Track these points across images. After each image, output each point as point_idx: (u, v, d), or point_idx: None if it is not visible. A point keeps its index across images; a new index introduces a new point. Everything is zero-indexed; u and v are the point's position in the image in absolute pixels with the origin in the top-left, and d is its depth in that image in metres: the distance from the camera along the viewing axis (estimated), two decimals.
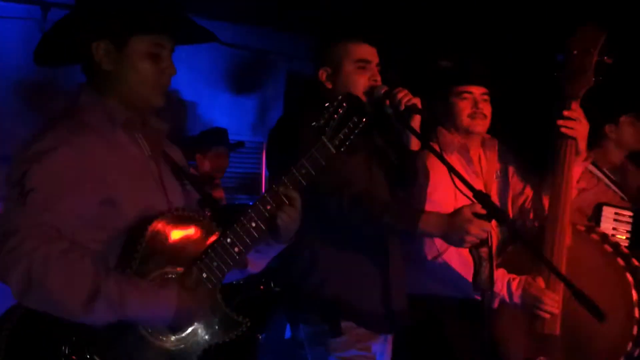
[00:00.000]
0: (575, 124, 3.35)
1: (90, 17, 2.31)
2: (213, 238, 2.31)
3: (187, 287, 2.22)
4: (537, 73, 4.37)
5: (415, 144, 3.10)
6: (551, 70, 3.44)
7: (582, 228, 3.50)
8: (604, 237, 3.47)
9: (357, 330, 3.00)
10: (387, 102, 3.00)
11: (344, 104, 2.39)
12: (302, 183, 2.35)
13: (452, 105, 3.60)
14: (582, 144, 3.40)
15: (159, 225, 2.24)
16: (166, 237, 2.25)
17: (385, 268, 3.07)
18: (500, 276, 3.32)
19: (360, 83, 3.06)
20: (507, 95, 3.78)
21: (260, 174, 6.77)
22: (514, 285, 3.31)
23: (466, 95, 3.58)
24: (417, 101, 2.98)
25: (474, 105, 3.58)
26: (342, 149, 2.40)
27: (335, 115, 2.38)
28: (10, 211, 2.09)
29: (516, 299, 3.30)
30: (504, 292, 3.31)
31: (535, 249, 3.18)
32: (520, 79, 4.25)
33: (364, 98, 3.01)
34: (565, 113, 3.35)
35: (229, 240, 2.29)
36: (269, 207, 2.33)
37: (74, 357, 2.08)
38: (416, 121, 3.02)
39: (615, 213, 4.01)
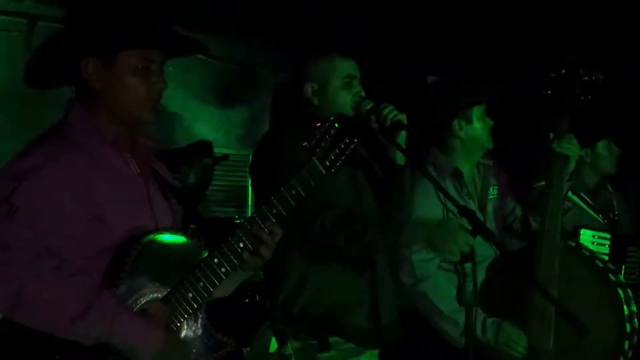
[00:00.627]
0: (570, 144, 3.41)
1: (77, 36, 2.29)
2: (200, 258, 2.29)
3: (174, 332, 2.23)
4: (524, 90, 4.42)
5: (401, 159, 3.11)
6: (540, 88, 3.48)
7: (574, 244, 3.52)
8: (594, 254, 3.49)
9: (346, 346, 3.01)
10: (373, 117, 3.01)
11: (336, 125, 2.38)
12: (291, 204, 2.32)
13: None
14: (572, 164, 3.46)
15: (146, 244, 2.23)
16: (154, 257, 2.24)
17: (372, 283, 3.07)
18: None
19: (347, 99, 3.06)
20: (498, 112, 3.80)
21: (247, 187, 6.77)
22: (487, 323, 3.34)
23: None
24: (402, 117, 2.99)
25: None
26: (333, 170, 2.38)
27: (327, 136, 2.36)
28: (0, 228, 2.07)
29: (489, 337, 3.33)
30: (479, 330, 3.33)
31: (520, 265, 3.19)
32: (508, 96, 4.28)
33: (351, 114, 3.02)
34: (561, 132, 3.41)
35: (216, 260, 2.27)
36: (257, 229, 2.31)
37: None
38: (402, 137, 3.03)
39: (593, 236, 4.05)
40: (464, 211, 2.66)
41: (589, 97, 3.39)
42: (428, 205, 3.37)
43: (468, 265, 2.72)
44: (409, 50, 6.08)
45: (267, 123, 6.75)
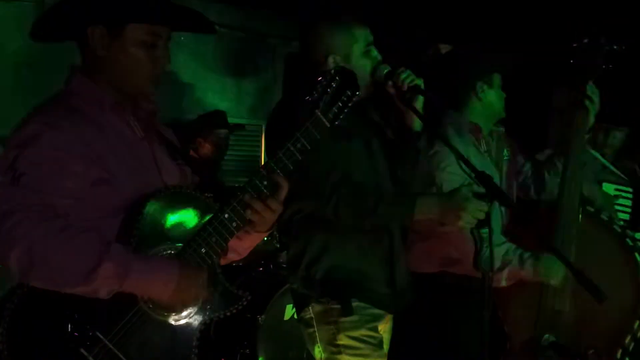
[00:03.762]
0: (593, 100, 3.41)
1: (88, 2, 2.30)
2: (211, 213, 2.31)
3: (189, 264, 2.23)
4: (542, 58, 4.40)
5: (418, 124, 3.10)
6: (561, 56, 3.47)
7: (592, 209, 3.52)
8: (612, 219, 3.49)
9: (367, 310, 3.03)
10: (390, 82, 3.00)
11: (337, 78, 2.38)
12: (297, 157, 2.33)
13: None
14: (592, 119, 3.46)
15: (156, 202, 2.26)
16: (164, 214, 2.27)
17: (389, 250, 3.10)
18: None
19: (367, 66, 3.06)
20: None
21: (260, 157, 6.77)
22: (525, 256, 3.33)
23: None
24: (420, 82, 2.98)
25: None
26: (336, 123, 2.37)
27: (329, 90, 2.36)
28: (5, 194, 2.10)
29: (528, 267, 3.31)
30: (515, 263, 3.32)
31: (536, 230, 3.19)
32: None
33: (369, 79, 3.02)
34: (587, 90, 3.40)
35: (226, 215, 2.28)
36: (265, 182, 2.32)
37: (76, 334, 2.10)
38: (419, 102, 3.01)
39: (616, 189, 4.05)
40: (481, 177, 2.65)
41: (610, 66, 3.36)
42: (450, 173, 3.39)
43: (484, 231, 2.72)
44: (419, 19, 6.03)
45: (279, 93, 6.73)
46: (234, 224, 2.30)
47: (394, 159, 3.16)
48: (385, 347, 3.19)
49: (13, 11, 5.32)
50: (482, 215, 2.76)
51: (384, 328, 3.16)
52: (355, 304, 3.00)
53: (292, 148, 2.33)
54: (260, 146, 6.80)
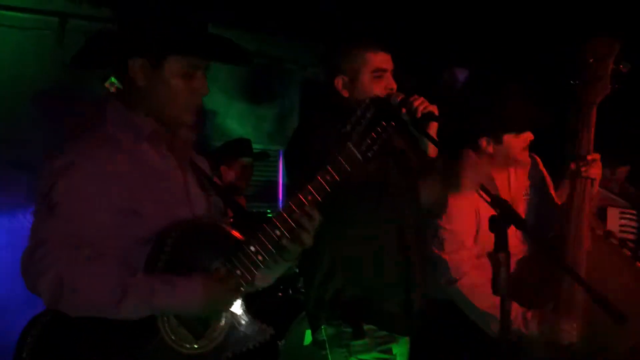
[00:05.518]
0: (594, 167, 3.35)
1: (130, 35, 2.34)
2: (237, 245, 2.32)
3: (210, 278, 2.26)
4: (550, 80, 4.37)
5: (432, 150, 3.10)
6: (565, 77, 3.45)
7: (601, 233, 3.49)
8: (622, 242, 3.47)
9: (379, 333, 3.02)
10: (404, 110, 3.00)
11: (372, 108, 2.37)
12: (326, 190, 2.33)
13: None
14: (597, 185, 3.42)
15: (182, 232, 2.27)
16: (190, 245, 2.28)
17: (406, 270, 3.08)
18: (515, 308, 3.32)
19: (377, 92, 3.07)
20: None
21: (277, 182, 6.79)
22: (528, 316, 3.32)
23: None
24: (433, 108, 2.99)
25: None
26: (369, 155, 2.37)
27: (362, 121, 2.35)
28: (39, 224, 2.17)
29: (533, 328, 3.30)
30: (520, 324, 3.31)
31: (554, 255, 3.17)
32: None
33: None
34: (588, 157, 3.34)
35: (252, 248, 2.30)
36: (293, 216, 2.32)
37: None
38: (433, 128, 3.02)
39: (620, 212, 4.05)
40: (497, 202, 2.65)
41: (617, 87, 3.33)
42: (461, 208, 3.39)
43: (501, 255, 2.71)
44: (434, 40, 6.05)
45: (297, 119, 6.77)
46: (260, 258, 2.31)
47: (415, 184, 3.15)
48: None
49: (31, 39, 5.38)
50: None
51: (400, 351, 3.12)
52: (367, 326, 2.99)
53: (321, 180, 2.33)
54: (277, 171, 6.82)
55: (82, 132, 2.33)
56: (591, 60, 3.36)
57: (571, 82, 3.41)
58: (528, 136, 3.52)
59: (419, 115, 2.96)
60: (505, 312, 2.63)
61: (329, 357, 3.05)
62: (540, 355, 3.38)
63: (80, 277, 2.09)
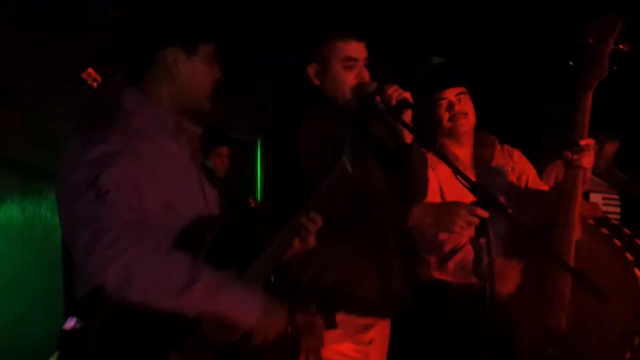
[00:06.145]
0: (587, 155, 3.36)
1: (162, 24, 2.40)
2: (260, 244, 2.41)
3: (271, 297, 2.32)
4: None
5: (408, 137, 3.13)
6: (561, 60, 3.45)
7: (592, 222, 3.51)
8: (616, 229, 3.48)
9: (353, 323, 3.06)
10: (378, 98, 3.03)
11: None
12: (327, 198, 2.52)
13: (434, 114, 3.67)
14: (589, 174, 3.45)
15: (216, 231, 2.31)
16: (223, 242, 2.33)
17: (382, 253, 3.12)
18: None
19: (348, 81, 3.08)
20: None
21: (256, 170, 6.79)
22: None
23: (441, 101, 3.64)
24: (407, 95, 3.02)
25: (450, 108, 3.63)
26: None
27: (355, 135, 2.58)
28: (95, 211, 2.11)
29: None
30: None
31: (534, 237, 3.20)
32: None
33: (351, 95, 3.06)
34: (582, 143, 3.33)
35: (274, 247, 2.42)
36: (304, 221, 2.48)
37: (152, 353, 2.16)
38: (407, 115, 3.04)
39: (603, 198, 4.07)
40: (474, 187, 2.69)
41: (615, 68, 3.30)
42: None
43: (483, 240, 2.75)
44: (414, 27, 6.06)
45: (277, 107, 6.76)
46: (277, 256, 2.44)
47: (393, 171, 3.19)
48: (382, 353, 3.22)
49: None
50: (475, 221, 2.80)
51: (379, 334, 3.16)
52: (341, 317, 3.02)
53: (323, 191, 2.52)
54: (256, 160, 6.82)
55: (110, 122, 2.32)
56: (590, 41, 3.32)
57: (569, 63, 3.41)
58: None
59: (394, 102, 2.99)
60: (488, 297, 2.68)
61: (302, 344, 3.06)
62: (528, 345, 3.43)
63: (148, 267, 2.09)
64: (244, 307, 2.23)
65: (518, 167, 3.82)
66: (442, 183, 3.55)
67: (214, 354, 2.28)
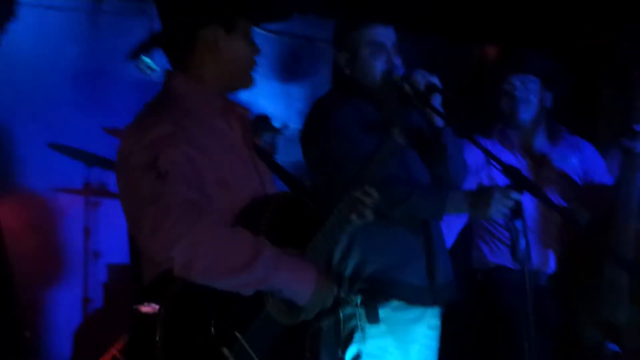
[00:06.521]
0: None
1: (198, 4, 2.41)
2: (318, 222, 2.43)
3: (321, 269, 2.36)
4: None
5: (438, 122, 3.13)
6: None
7: None
8: None
9: (396, 317, 3.05)
10: (406, 84, 3.03)
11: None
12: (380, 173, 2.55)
13: (497, 99, 3.69)
14: None
15: (273, 209, 2.34)
16: (283, 219, 2.35)
17: (427, 240, 3.12)
18: None
19: (377, 67, 3.10)
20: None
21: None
22: None
23: (505, 87, 3.67)
24: (435, 80, 3.03)
25: (512, 94, 3.67)
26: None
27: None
28: (156, 191, 2.13)
29: None
30: None
31: (593, 233, 3.18)
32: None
33: (381, 81, 3.08)
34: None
35: (330, 224, 2.43)
36: (358, 195, 2.47)
37: (218, 334, 2.17)
38: (437, 100, 3.04)
39: None
40: (508, 170, 2.69)
41: None
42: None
43: (518, 222, 2.76)
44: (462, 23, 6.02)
45: None
46: (337, 232, 2.46)
47: (428, 157, 3.21)
48: (430, 345, 3.19)
49: (67, 20, 5.44)
50: (511, 204, 2.81)
51: (422, 334, 3.14)
52: (382, 312, 3.02)
53: (376, 164, 2.57)
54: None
55: (162, 105, 2.37)
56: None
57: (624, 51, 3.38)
58: None
59: (422, 88, 3.00)
60: (527, 279, 2.67)
61: (342, 335, 3.07)
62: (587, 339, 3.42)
63: (213, 242, 2.13)
64: (301, 284, 2.27)
65: (585, 160, 3.80)
66: None
67: (278, 336, 2.32)
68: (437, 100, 3.03)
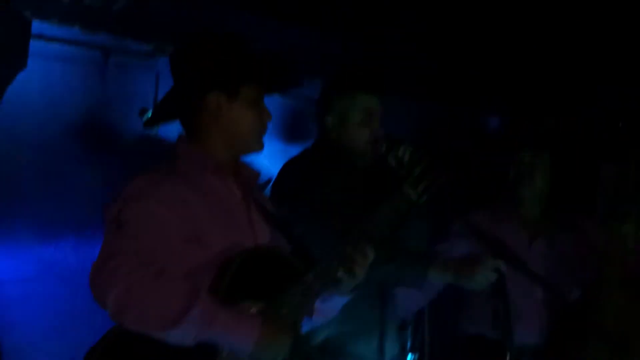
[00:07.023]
0: (629, 226, 3.45)
1: (201, 71, 2.50)
2: (295, 274, 2.44)
3: (271, 320, 2.33)
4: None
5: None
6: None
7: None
8: None
9: None
10: (391, 155, 3.03)
11: (425, 158, 2.59)
12: (384, 230, 2.51)
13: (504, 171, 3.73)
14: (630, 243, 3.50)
15: (244, 259, 2.39)
16: (250, 272, 2.40)
17: (382, 314, 3.18)
18: None
19: (364, 135, 3.12)
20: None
21: None
22: None
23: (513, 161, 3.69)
24: (419, 156, 3.02)
25: (517, 169, 3.69)
26: (424, 197, 2.52)
27: (417, 166, 2.58)
28: (108, 240, 2.30)
29: None
30: None
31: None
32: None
33: (367, 150, 3.08)
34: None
35: (310, 277, 2.43)
36: (349, 251, 2.46)
37: None
38: (418, 173, 3.04)
39: None
40: (494, 244, 2.71)
41: None
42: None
43: (500, 294, 2.77)
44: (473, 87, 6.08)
45: None
46: (316, 287, 2.45)
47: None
48: None
49: (76, 73, 5.47)
50: (494, 276, 2.81)
51: None
52: None
53: (380, 221, 2.52)
54: None
55: (153, 167, 2.50)
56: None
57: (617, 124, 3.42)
58: None
59: (405, 161, 2.98)
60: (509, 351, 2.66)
61: None
62: None
63: (147, 292, 2.17)
64: (240, 332, 2.27)
65: (582, 237, 3.86)
66: None
67: None
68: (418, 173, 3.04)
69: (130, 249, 2.23)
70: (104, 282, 2.18)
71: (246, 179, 2.65)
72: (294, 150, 6.95)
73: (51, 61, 5.28)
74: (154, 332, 2.20)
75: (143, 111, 4.94)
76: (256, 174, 2.68)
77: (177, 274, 2.30)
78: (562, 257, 3.78)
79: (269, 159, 6.79)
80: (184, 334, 2.20)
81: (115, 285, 2.16)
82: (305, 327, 2.65)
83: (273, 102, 6.42)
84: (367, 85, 3.20)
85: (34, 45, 4.60)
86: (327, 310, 2.71)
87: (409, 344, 3.95)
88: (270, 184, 5.92)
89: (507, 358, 2.72)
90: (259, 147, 2.63)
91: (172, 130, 2.73)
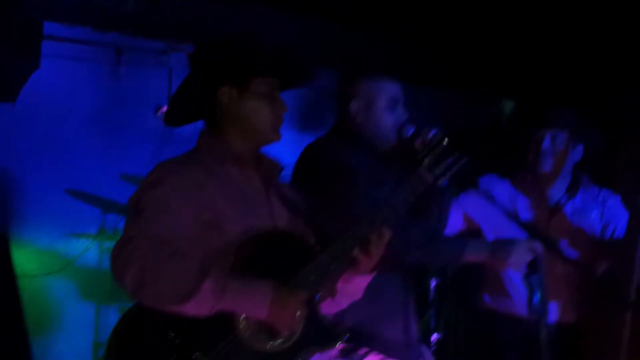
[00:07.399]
0: None
1: (212, 66, 2.58)
2: (311, 254, 2.49)
3: (283, 287, 2.38)
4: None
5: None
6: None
7: None
8: None
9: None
10: (416, 141, 3.07)
11: (445, 141, 2.61)
12: (400, 210, 2.51)
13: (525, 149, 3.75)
14: None
15: (260, 241, 2.45)
16: (266, 253, 2.45)
17: (406, 298, 3.17)
18: None
19: (390, 120, 3.15)
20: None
21: None
22: None
23: (535, 139, 3.73)
24: (444, 140, 3.04)
25: (539, 146, 3.73)
26: (440, 180, 2.55)
27: (434, 149, 2.59)
28: (129, 225, 2.39)
29: None
30: None
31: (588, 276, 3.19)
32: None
33: (392, 136, 3.10)
34: None
35: (324, 257, 2.47)
36: (365, 230, 2.49)
37: (178, 355, 2.29)
38: (444, 158, 3.05)
39: None
40: (526, 226, 2.72)
41: None
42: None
43: (535, 277, 2.78)
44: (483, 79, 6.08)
45: None
46: (333, 266, 2.47)
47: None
48: None
49: (88, 71, 5.58)
50: (530, 257, 2.82)
51: None
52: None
53: (397, 202, 2.54)
54: None
55: (176, 157, 2.58)
56: None
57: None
58: None
59: (432, 145, 3.01)
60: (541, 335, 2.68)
61: None
62: None
63: (162, 270, 2.26)
64: (255, 296, 2.34)
65: (606, 213, 3.83)
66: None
67: None
68: (444, 158, 3.07)
69: (147, 232, 2.32)
70: (122, 263, 2.27)
71: (267, 170, 2.68)
72: (308, 139, 7.02)
73: (65, 60, 5.32)
74: (170, 306, 2.28)
75: (158, 108, 4.98)
76: (277, 164, 2.71)
77: (190, 254, 2.38)
78: (581, 233, 3.77)
79: (284, 147, 6.84)
80: (200, 305, 2.27)
81: (132, 265, 2.25)
82: (332, 309, 2.69)
83: (286, 92, 6.57)
84: (390, 71, 3.22)
85: (47, 45, 4.63)
86: (350, 291, 2.74)
87: (432, 324, 3.97)
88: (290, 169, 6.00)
89: (541, 337, 2.72)
90: (276, 137, 2.64)
91: (185, 126, 2.77)
